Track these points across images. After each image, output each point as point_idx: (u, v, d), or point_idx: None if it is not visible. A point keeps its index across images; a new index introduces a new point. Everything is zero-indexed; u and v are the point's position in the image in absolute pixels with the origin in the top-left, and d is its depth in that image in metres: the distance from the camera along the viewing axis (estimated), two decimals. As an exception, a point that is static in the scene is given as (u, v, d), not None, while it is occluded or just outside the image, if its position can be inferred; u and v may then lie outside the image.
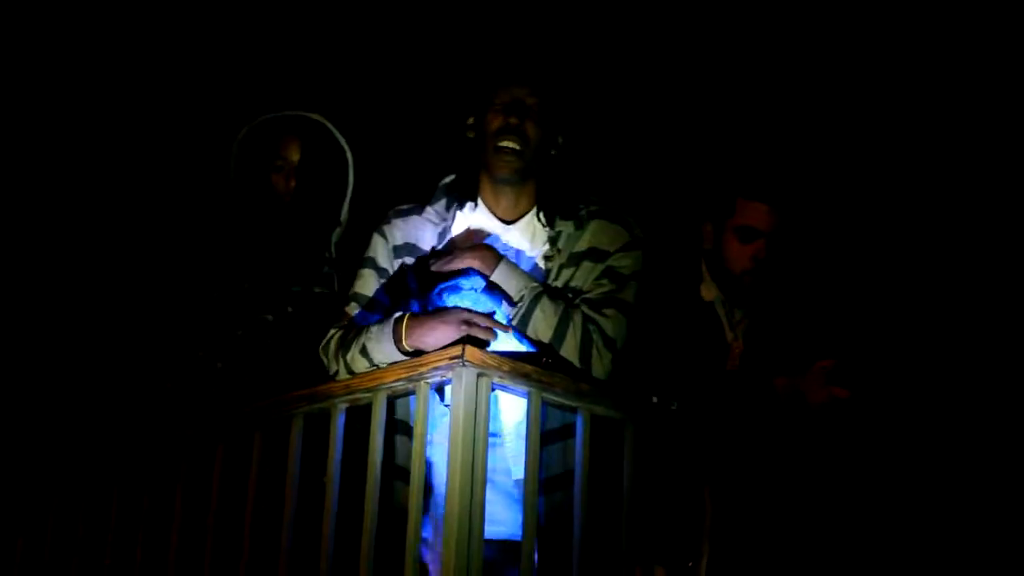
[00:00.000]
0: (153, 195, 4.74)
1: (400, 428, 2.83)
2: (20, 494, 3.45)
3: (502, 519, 2.76)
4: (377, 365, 2.77)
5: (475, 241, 2.95)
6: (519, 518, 2.57)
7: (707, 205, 3.46)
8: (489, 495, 2.52)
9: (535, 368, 2.61)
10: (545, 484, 2.76)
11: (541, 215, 2.99)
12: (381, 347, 2.77)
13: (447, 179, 3.08)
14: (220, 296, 3.41)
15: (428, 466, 2.84)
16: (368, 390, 2.67)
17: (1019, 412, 3.88)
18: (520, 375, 2.57)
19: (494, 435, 2.76)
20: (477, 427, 2.48)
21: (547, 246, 2.95)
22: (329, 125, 3.51)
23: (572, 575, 2.60)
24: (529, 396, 2.60)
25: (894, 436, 3.58)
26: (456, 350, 2.49)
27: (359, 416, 2.71)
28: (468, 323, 2.68)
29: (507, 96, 2.95)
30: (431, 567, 2.80)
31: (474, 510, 2.44)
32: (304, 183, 3.44)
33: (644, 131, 4.50)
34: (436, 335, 2.69)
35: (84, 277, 4.73)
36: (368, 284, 3.00)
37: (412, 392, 2.62)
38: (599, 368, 2.81)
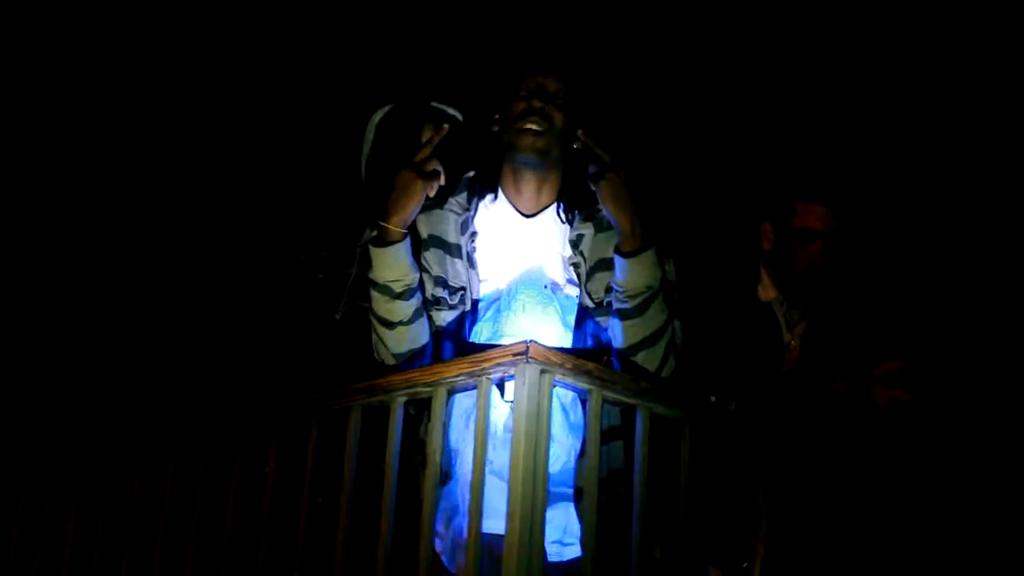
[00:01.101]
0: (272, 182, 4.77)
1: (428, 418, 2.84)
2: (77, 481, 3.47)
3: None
4: (392, 289, 2.84)
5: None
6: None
7: (766, 205, 3.45)
8: (501, 489, 2.52)
9: (596, 366, 2.61)
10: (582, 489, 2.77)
11: (561, 212, 2.97)
12: (377, 259, 2.86)
13: (470, 173, 3.09)
14: (325, 279, 3.43)
15: (452, 454, 2.85)
16: (428, 384, 2.66)
17: None
18: (582, 372, 2.57)
19: (507, 429, 2.75)
20: (540, 424, 2.47)
21: (569, 250, 2.94)
22: (460, 118, 3.50)
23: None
24: (590, 394, 2.60)
25: (956, 440, 3.55)
26: (520, 347, 2.49)
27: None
28: (411, 167, 2.81)
29: (532, 83, 2.96)
30: (444, 557, 2.80)
31: (537, 506, 2.43)
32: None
33: (699, 130, 4.48)
34: (402, 201, 2.83)
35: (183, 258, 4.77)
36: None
37: (473, 387, 2.61)
38: (667, 373, 2.83)
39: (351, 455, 2.78)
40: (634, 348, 2.83)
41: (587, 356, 2.69)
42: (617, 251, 2.81)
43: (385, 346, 2.94)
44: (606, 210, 2.82)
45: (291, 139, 4.68)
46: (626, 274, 2.79)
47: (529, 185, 2.99)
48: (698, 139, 4.46)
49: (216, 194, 4.78)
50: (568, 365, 2.54)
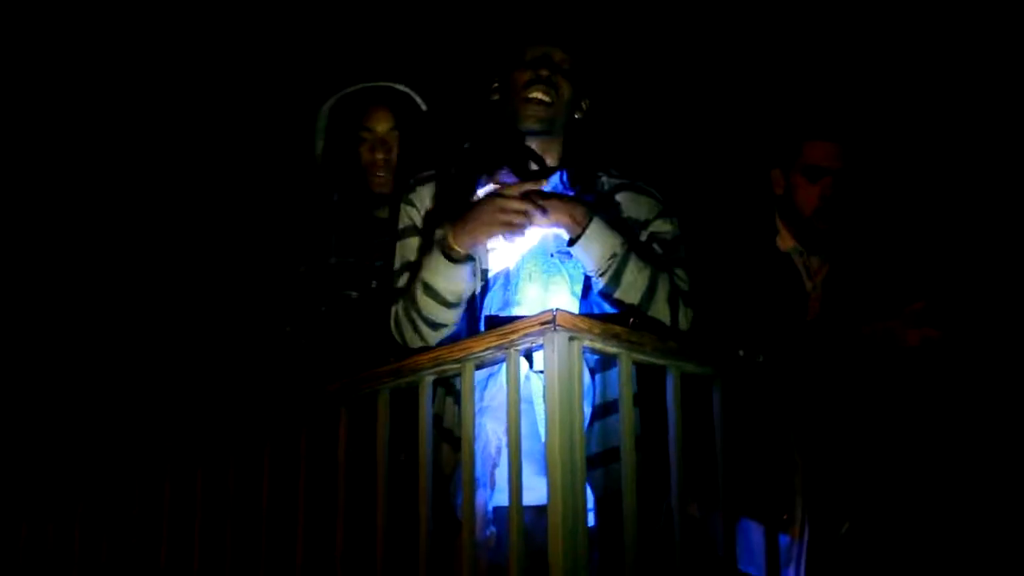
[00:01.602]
0: (238, 173, 4.74)
1: (449, 391, 2.85)
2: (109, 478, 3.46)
3: (532, 485, 2.65)
4: (445, 298, 2.79)
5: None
6: None
7: (774, 151, 3.45)
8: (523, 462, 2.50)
9: (624, 329, 2.58)
10: (602, 456, 2.77)
11: (565, 179, 2.95)
12: (438, 269, 2.79)
13: (466, 145, 3.06)
14: (306, 272, 3.40)
15: (477, 428, 2.84)
16: (456, 361, 2.64)
17: None
18: (611, 336, 2.54)
19: (523, 400, 2.73)
20: (573, 390, 2.45)
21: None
22: (415, 96, 3.48)
23: (670, 537, 2.59)
24: (619, 358, 2.57)
25: (989, 376, 3.53)
26: (547, 316, 2.46)
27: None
28: (503, 211, 2.70)
29: (537, 52, 2.93)
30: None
31: (577, 473, 2.41)
32: (392, 159, 3.41)
33: (705, 87, 4.46)
34: (478, 233, 2.74)
35: (169, 255, 4.75)
36: (416, 251, 2.98)
37: (502, 360, 2.59)
38: (684, 324, 2.81)
39: (384, 440, 2.77)
40: (641, 307, 2.80)
41: (613, 320, 2.67)
42: (568, 244, 2.80)
43: (422, 339, 2.91)
44: (539, 228, 2.81)
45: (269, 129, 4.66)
46: (584, 256, 2.79)
47: (532, 154, 2.97)
48: (706, 95, 4.44)
49: (202, 189, 4.76)
50: (596, 330, 2.51)
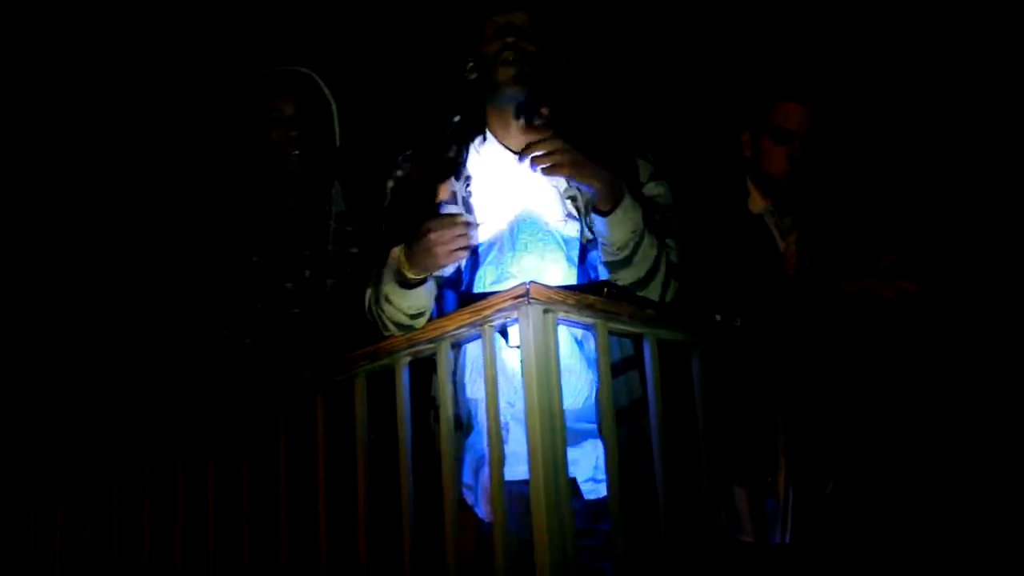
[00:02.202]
0: (148, 180, 4.70)
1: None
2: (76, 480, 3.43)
3: None
4: (405, 312, 2.75)
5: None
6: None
7: (742, 113, 3.44)
8: (517, 433, 2.47)
9: (599, 299, 2.56)
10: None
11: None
12: (395, 291, 2.74)
13: (454, 119, 3.03)
14: (232, 272, 3.37)
15: (472, 405, 2.83)
16: (431, 340, 2.62)
17: None
18: (585, 307, 2.51)
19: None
20: (550, 363, 2.43)
21: (564, 184, 2.88)
22: (317, 78, 3.46)
23: (657, 506, 2.57)
24: (595, 328, 2.55)
25: (966, 326, 3.53)
26: (520, 289, 2.43)
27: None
28: (441, 244, 2.61)
29: (499, 22, 2.90)
30: (477, 509, 2.77)
31: (557, 446, 2.38)
32: (306, 138, 3.39)
33: (674, 49, 4.43)
34: (427, 266, 2.67)
35: (91, 268, 4.71)
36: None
37: (477, 337, 2.57)
38: (669, 298, 2.79)
39: (362, 423, 2.75)
40: (632, 288, 2.78)
41: (588, 289, 2.65)
42: (596, 211, 2.72)
43: (388, 331, 2.88)
44: (575, 183, 2.73)
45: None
46: (612, 230, 2.72)
47: (517, 122, 2.94)
48: (675, 58, 4.42)
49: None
50: (571, 301, 2.49)
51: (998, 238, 3.93)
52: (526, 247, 2.88)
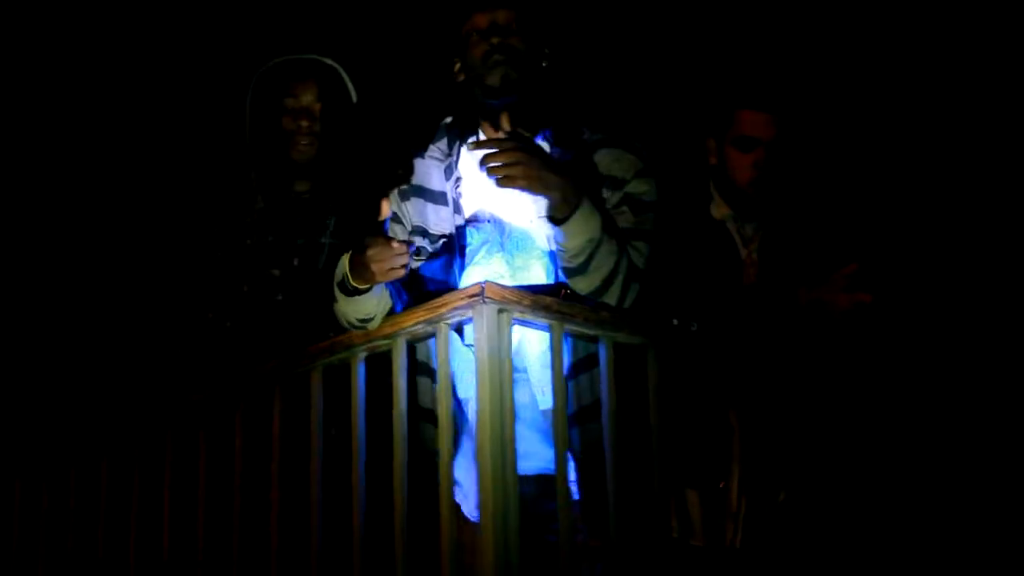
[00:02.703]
0: (152, 159, 4.69)
1: (422, 370, 2.82)
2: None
3: (534, 453, 2.73)
4: (357, 316, 2.74)
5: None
6: (552, 451, 2.55)
7: (708, 120, 3.45)
8: (519, 430, 2.49)
9: (555, 300, 2.58)
10: (579, 415, 2.76)
11: (548, 137, 2.93)
12: (341, 296, 2.75)
13: (446, 119, 3.04)
14: (224, 254, 3.36)
15: (462, 404, 2.84)
16: (387, 337, 2.64)
17: None
18: (540, 308, 2.53)
19: (519, 370, 2.74)
20: (503, 363, 2.45)
21: None
22: (341, 71, 3.44)
23: (607, 505, 2.59)
24: (551, 328, 2.57)
25: (921, 340, 3.56)
26: (475, 288, 2.45)
27: (380, 363, 2.69)
28: (377, 264, 2.61)
29: (483, 21, 2.91)
30: (463, 507, 2.79)
31: (506, 446, 2.40)
32: (319, 128, 3.37)
33: (645, 50, 4.45)
34: (369, 280, 2.66)
35: (84, 249, 4.70)
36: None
37: (432, 335, 2.59)
38: (629, 303, 2.79)
39: (317, 415, 2.76)
40: (588, 296, 2.79)
41: (546, 291, 2.66)
42: (550, 219, 2.72)
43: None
44: (529, 193, 2.70)
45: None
46: (566, 237, 2.72)
47: (507, 121, 2.95)
48: (642, 59, 4.44)
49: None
50: (526, 302, 2.51)
51: (957, 250, 3.96)
52: (516, 247, 2.89)
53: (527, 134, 2.82)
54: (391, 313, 2.76)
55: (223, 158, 3.61)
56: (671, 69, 4.41)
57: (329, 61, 3.43)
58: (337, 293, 2.76)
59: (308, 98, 3.37)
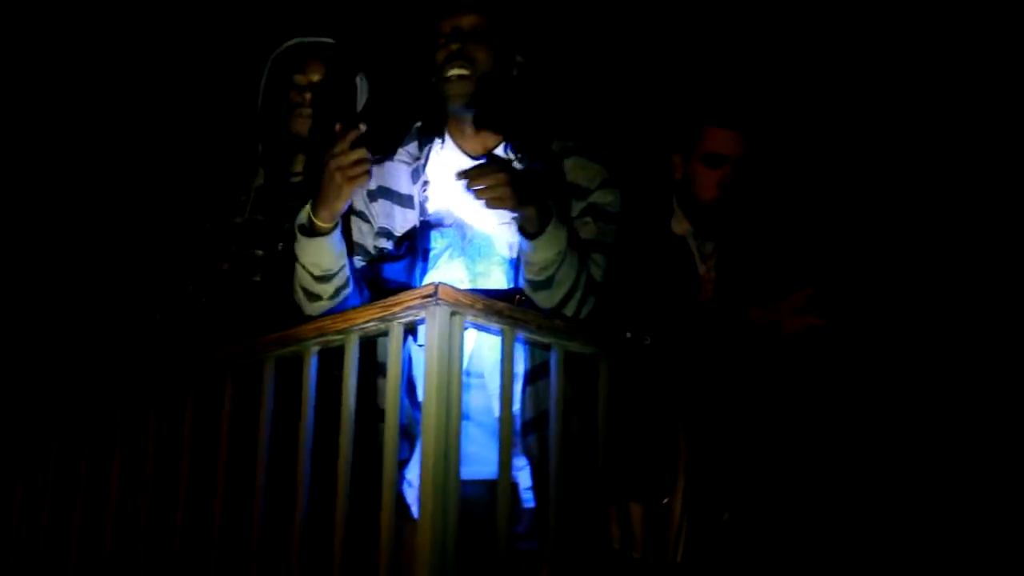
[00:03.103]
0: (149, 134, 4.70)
1: (382, 370, 2.82)
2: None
3: (489, 458, 2.70)
4: (311, 272, 2.77)
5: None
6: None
7: (675, 135, 3.47)
8: (475, 435, 2.50)
9: (508, 305, 2.59)
10: (536, 421, 2.79)
11: (509, 151, 2.95)
12: (300, 245, 2.77)
13: (417, 123, 3.05)
14: (212, 229, 3.39)
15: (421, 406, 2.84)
16: (340, 332, 2.63)
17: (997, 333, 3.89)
18: (493, 312, 2.55)
19: (475, 375, 2.76)
20: (452, 366, 2.46)
21: None
22: (351, 57, 3.48)
23: (551, 513, 2.60)
24: (503, 334, 2.58)
25: (872, 365, 3.58)
26: (429, 288, 2.47)
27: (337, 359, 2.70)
28: (338, 170, 2.65)
29: (447, 25, 2.91)
30: (413, 508, 2.79)
31: (450, 450, 2.42)
32: (322, 106, 3.40)
33: (609, 63, 4.47)
34: (330, 200, 2.70)
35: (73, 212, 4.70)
36: (348, 229, 2.97)
37: (385, 333, 2.59)
38: (584, 315, 2.81)
39: (267, 407, 2.77)
40: (548, 311, 2.81)
41: (500, 296, 2.67)
42: (522, 232, 2.74)
43: (303, 308, 2.90)
44: (507, 211, 2.74)
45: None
46: (535, 251, 2.74)
47: (472, 127, 2.96)
48: (605, 71, 4.46)
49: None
50: (479, 306, 2.52)
51: (912, 276, 4.00)
52: (477, 253, 2.91)
53: (499, 153, 2.89)
54: (348, 306, 2.77)
55: (228, 134, 3.64)
56: (639, 82, 4.44)
57: (341, 47, 3.48)
58: (299, 238, 2.77)
59: (316, 76, 3.42)
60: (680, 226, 3.42)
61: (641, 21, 4.47)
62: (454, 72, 2.87)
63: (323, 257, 2.76)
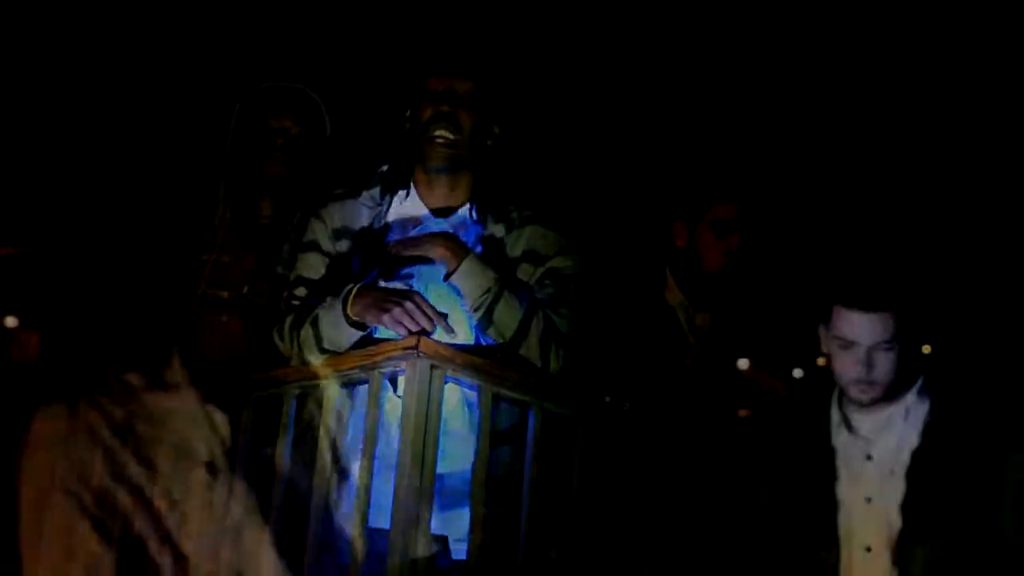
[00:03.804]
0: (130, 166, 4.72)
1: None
2: None
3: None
4: (323, 339, 2.76)
5: (412, 230, 2.92)
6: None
7: (678, 207, 3.48)
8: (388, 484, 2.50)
9: (487, 362, 2.62)
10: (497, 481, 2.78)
11: (474, 212, 2.98)
12: (329, 316, 2.77)
13: (384, 167, 3.07)
14: (180, 268, 3.41)
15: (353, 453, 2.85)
16: (321, 377, 2.67)
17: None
18: (472, 368, 2.58)
19: (456, 433, 2.74)
20: (429, 418, 2.48)
21: (480, 249, 2.93)
22: (322, 106, 3.52)
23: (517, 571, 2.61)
24: (480, 390, 2.60)
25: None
26: (411, 341, 2.49)
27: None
28: (410, 314, 2.66)
29: (440, 85, 2.92)
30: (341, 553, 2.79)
31: (423, 500, 2.44)
32: (294, 152, 3.44)
33: (608, 134, 4.51)
34: (375, 313, 2.69)
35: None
36: (314, 267, 2.98)
37: (365, 380, 2.62)
38: (555, 365, 2.81)
39: (244, 447, 2.79)
40: (507, 347, 2.82)
41: (482, 352, 2.70)
42: (445, 277, 2.82)
43: (281, 351, 2.92)
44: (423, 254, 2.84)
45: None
46: (460, 287, 2.80)
47: (442, 186, 2.98)
48: (603, 142, 4.49)
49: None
50: (459, 360, 2.55)
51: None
52: (437, 303, 2.92)
53: (463, 213, 2.95)
54: None
55: (192, 171, 3.67)
56: (633, 154, 4.47)
57: (313, 95, 3.51)
58: (325, 314, 2.78)
59: (288, 122, 3.46)
60: (673, 296, 3.43)
61: (639, 90, 4.52)
62: (441, 134, 2.90)
63: (341, 339, 2.77)
